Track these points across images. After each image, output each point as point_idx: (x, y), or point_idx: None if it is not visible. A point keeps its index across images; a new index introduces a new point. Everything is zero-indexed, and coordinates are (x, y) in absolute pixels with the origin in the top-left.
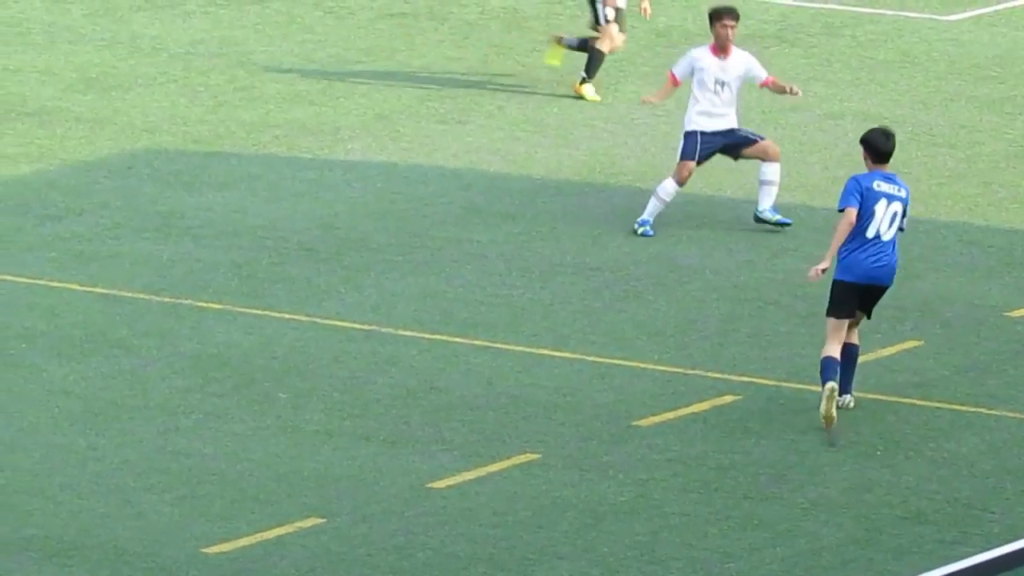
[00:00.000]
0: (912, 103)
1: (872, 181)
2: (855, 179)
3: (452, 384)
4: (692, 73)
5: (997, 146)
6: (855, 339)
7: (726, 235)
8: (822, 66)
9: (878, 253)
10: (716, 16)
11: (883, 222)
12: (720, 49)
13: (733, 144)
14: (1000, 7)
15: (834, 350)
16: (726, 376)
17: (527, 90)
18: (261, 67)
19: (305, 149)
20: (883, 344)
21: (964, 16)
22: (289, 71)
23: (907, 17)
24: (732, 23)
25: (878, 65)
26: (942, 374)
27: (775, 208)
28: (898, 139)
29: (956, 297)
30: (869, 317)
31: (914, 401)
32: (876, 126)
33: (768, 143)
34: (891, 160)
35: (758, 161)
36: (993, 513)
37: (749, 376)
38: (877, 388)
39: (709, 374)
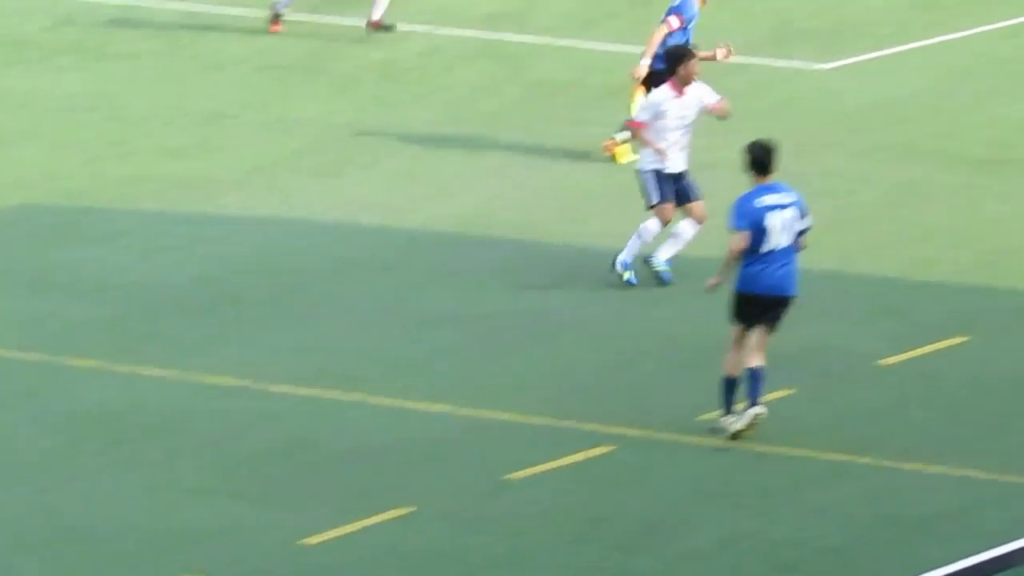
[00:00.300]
0: (787, 152)
1: (757, 197)
2: (742, 199)
3: (325, 439)
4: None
5: (870, 195)
6: (759, 361)
7: (600, 286)
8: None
9: (775, 264)
10: (685, 56)
11: (777, 234)
12: (682, 86)
13: (680, 190)
14: (872, 55)
15: (734, 366)
16: (599, 427)
17: (403, 142)
18: (135, 121)
19: (180, 203)
20: None
21: (837, 65)
22: (163, 125)
23: (781, 66)
24: (696, 59)
25: (752, 114)
26: (815, 422)
27: (669, 261)
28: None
29: (829, 345)
30: (774, 330)
31: (787, 450)
32: (757, 139)
33: (702, 204)
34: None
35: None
36: (865, 561)
37: (622, 427)
38: (749, 437)
39: (582, 426)
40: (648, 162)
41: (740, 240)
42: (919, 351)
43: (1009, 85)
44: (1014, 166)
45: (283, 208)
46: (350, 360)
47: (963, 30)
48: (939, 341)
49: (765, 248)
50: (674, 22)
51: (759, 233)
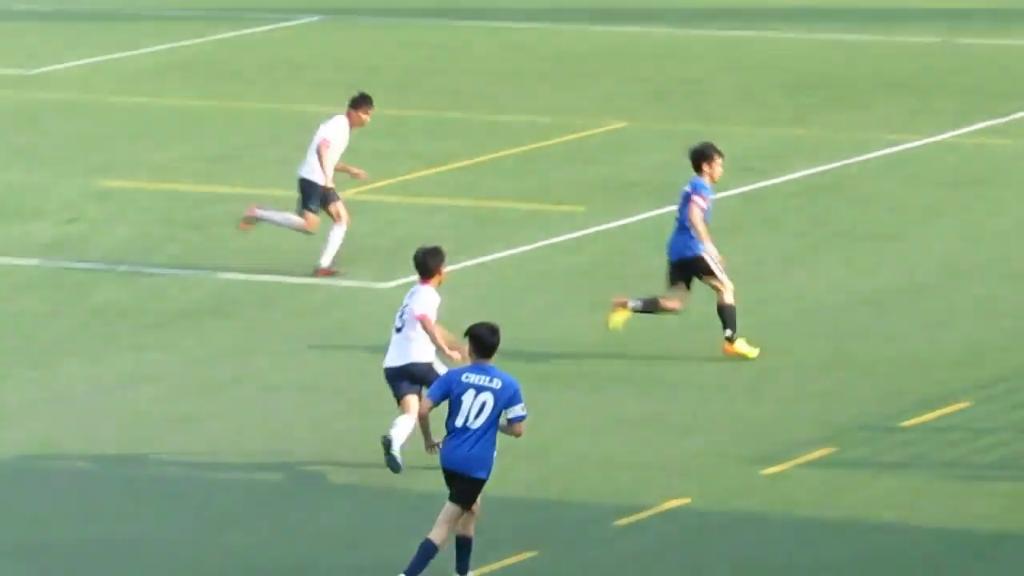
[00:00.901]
0: (348, 373)
1: (463, 373)
2: (451, 371)
3: None
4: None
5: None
6: (470, 531)
7: (171, 509)
8: (260, 338)
9: (461, 441)
10: (444, 260)
11: (471, 412)
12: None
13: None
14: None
15: (435, 533)
16: None
17: None
18: None
19: None
20: None
21: (398, 283)
22: None
23: (343, 287)
24: None
25: (315, 335)
26: None
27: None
28: (348, 409)
29: (401, 565)
30: (465, 508)
31: None
32: (484, 322)
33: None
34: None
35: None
36: None
37: None
38: None
39: None
40: (429, 353)
41: (424, 404)
42: (489, 568)
43: (570, 298)
44: (579, 379)
45: None
46: None
47: (524, 245)
48: (509, 557)
49: (458, 423)
50: (701, 202)
51: (454, 406)
